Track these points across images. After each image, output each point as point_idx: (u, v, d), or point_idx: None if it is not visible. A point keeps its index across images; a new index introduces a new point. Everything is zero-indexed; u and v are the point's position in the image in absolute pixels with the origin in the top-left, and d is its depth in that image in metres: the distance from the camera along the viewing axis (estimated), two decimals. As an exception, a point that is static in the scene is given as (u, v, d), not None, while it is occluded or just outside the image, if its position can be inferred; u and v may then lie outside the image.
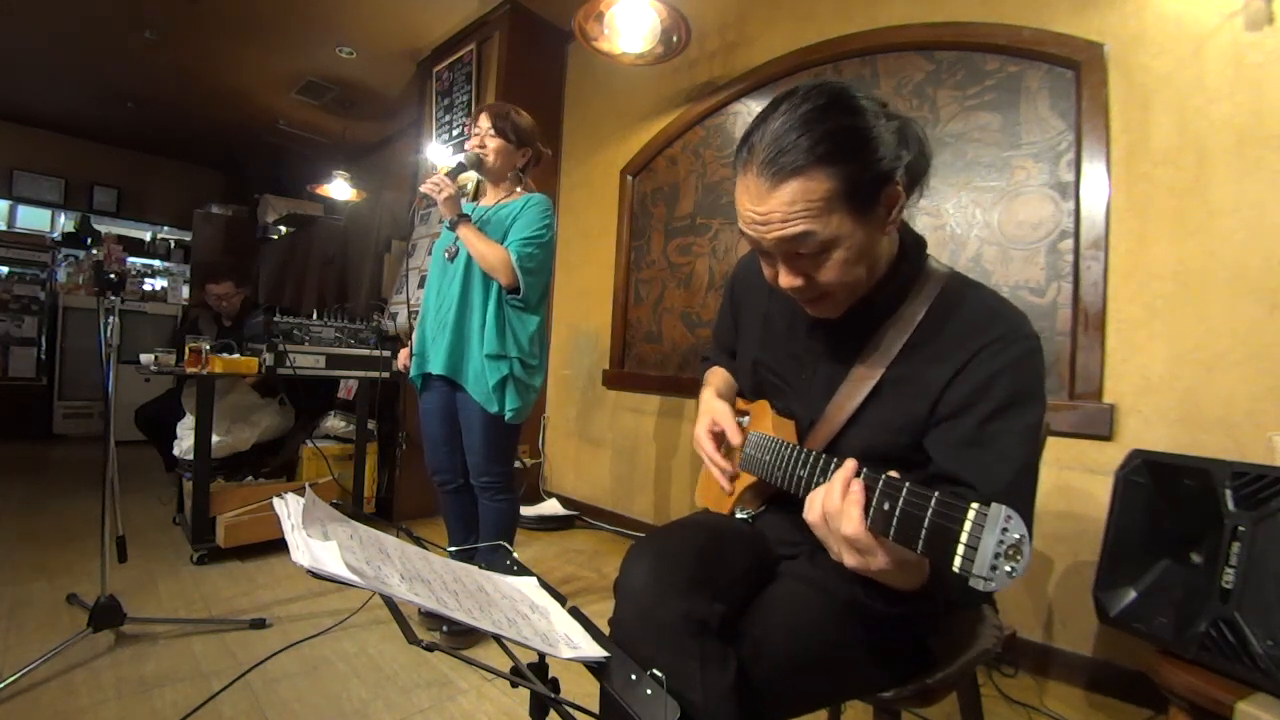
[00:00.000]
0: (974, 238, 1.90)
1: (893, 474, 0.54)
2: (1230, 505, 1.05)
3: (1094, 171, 1.67)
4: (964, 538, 0.44)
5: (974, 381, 0.70)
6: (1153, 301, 1.59)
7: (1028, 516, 0.69)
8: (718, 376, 1.05)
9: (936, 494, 0.48)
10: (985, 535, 0.43)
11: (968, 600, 0.65)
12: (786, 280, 0.73)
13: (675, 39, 2.26)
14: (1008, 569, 0.42)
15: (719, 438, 0.90)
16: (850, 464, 0.58)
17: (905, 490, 0.50)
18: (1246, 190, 1.46)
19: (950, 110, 1.96)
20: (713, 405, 0.93)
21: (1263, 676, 0.95)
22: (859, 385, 0.77)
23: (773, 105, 0.70)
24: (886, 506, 0.51)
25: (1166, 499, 1.18)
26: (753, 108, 2.53)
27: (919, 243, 0.80)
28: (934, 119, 1.99)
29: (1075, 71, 1.72)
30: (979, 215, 1.89)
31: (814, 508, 0.59)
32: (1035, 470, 0.74)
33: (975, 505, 0.45)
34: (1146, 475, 1.20)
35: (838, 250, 0.68)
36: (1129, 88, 1.64)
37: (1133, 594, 1.18)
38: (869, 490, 0.54)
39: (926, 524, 0.47)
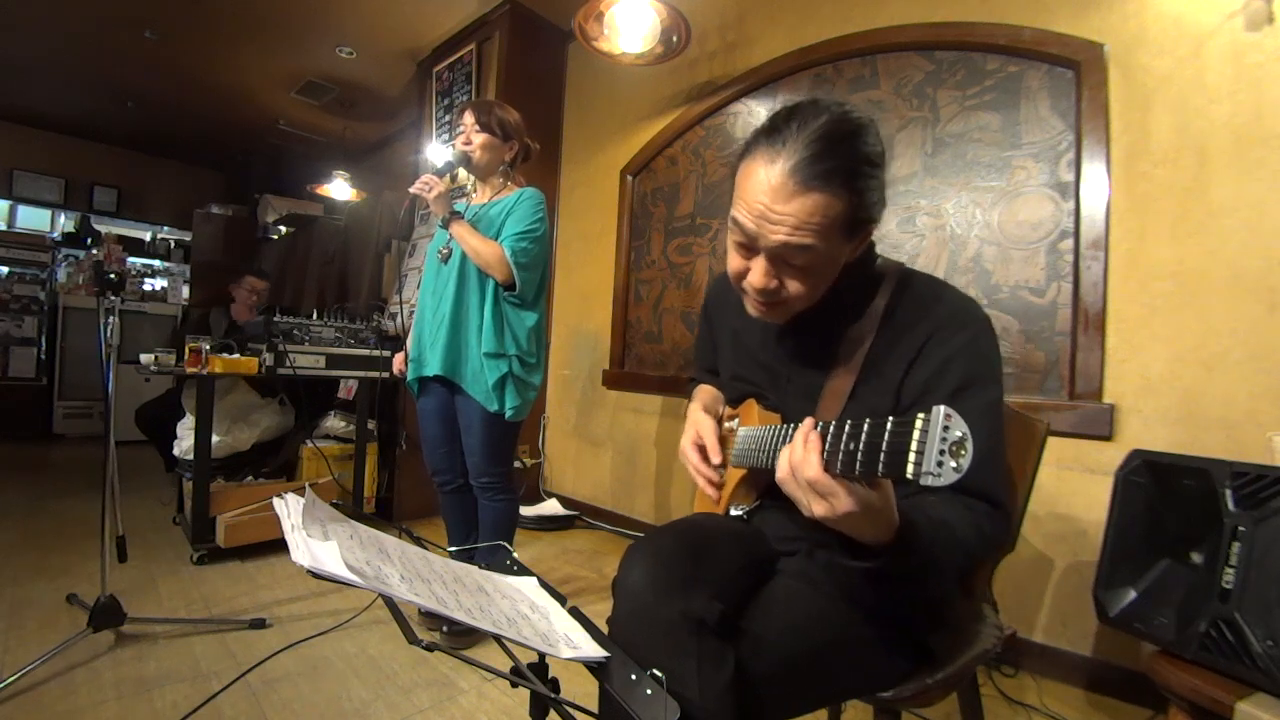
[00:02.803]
0: (974, 238, 1.89)
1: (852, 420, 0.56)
2: (1230, 505, 1.05)
3: (1094, 171, 1.67)
4: (913, 445, 0.47)
5: (929, 368, 0.73)
6: (1153, 301, 1.59)
7: (1001, 487, 0.73)
8: (704, 392, 1.08)
9: (890, 420, 0.49)
10: (929, 437, 0.46)
11: (941, 556, 0.65)
12: (759, 279, 0.73)
13: (675, 39, 2.26)
14: (953, 465, 0.45)
15: (704, 451, 0.92)
16: (808, 420, 0.60)
17: (866, 426, 0.52)
18: (1246, 190, 1.46)
19: (950, 110, 1.96)
20: (697, 418, 0.95)
21: (1262, 676, 0.95)
22: (836, 396, 0.79)
23: (813, 103, 0.70)
24: (851, 446, 0.53)
25: (1166, 499, 1.18)
26: (753, 107, 2.53)
27: (869, 246, 0.82)
28: (934, 119, 1.99)
29: (1075, 71, 1.72)
30: (979, 215, 1.89)
31: (782, 465, 0.60)
32: (1001, 444, 0.77)
33: (921, 415, 0.47)
34: (1146, 475, 1.20)
35: (819, 269, 0.72)
36: (1129, 88, 1.64)
37: (1133, 594, 1.18)
38: (836, 438, 0.55)
39: (884, 447, 0.49)
